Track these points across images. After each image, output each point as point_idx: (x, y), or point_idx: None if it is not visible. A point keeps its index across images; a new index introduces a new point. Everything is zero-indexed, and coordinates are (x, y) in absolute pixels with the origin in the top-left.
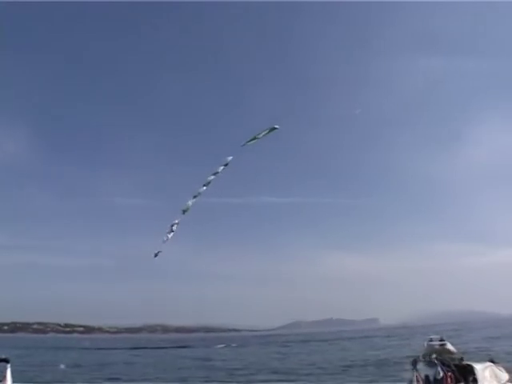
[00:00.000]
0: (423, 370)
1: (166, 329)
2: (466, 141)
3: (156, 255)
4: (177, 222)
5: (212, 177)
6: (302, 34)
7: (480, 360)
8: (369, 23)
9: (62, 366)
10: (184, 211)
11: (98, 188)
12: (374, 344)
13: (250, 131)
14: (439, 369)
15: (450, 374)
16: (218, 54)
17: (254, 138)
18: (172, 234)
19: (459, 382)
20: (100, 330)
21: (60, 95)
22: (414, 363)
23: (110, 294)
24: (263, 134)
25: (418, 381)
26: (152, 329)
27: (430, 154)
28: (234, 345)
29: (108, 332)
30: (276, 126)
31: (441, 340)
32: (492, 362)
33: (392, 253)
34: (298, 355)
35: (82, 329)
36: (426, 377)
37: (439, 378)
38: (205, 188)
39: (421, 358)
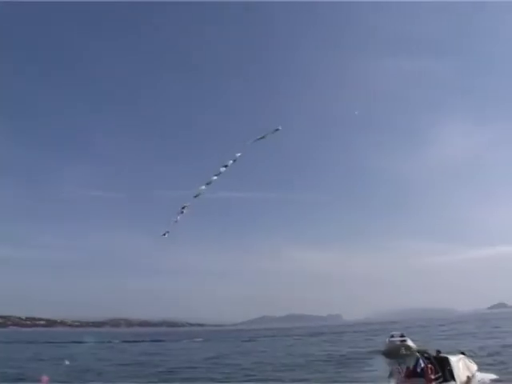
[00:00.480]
0: (407, 362)
1: (129, 323)
2: (434, 141)
3: (165, 234)
4: (187, 204)
5: (223, 168)
6: (278, 34)
7: (449, 353)
8: (341, 24)
9: (67, 362)
10: (195, 196)
11: (61, 179)
12: (337, 339)
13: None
14: (421, 361)
15: (430, 365)
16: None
17: (262, 137)
18: (181, 215)
19: (438, 372)
20: (63, 323)
21: (29, 84)
22: (397, 354)
23: (73, 288)
24: (270, 133)
25: (399, 372)
26: (116, 323)
27: (399, 154)
28: (198, 339)
29: (71, 326)
30: (279, 128)
31: (401, 336)
32: (463, 354)
33: (358, 250)
34: (263, 351)
35: (44, 322)
36: (407, 368)
37: (421, 369)
38: (215, 177)
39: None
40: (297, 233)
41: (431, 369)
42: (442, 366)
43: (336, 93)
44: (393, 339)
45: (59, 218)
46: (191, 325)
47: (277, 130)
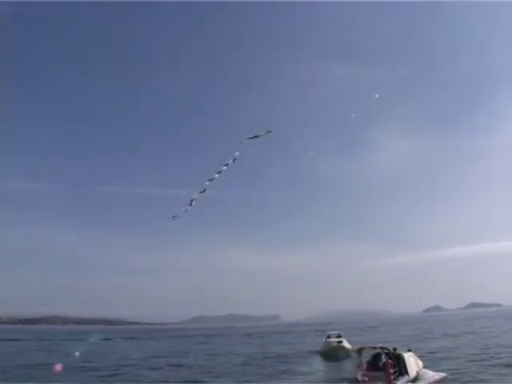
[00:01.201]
0: (366, 357)
1: (65, 320)
2: (371, 146)
3: (174, 218)
4: (195, 197)
5: (224, 167)
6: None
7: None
8: (278, 26)
9: (77, 354)
10: (201, 192)
11: None
12: (276, 340)
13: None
14: (383, 356)
15: (390, 361)
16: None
17: (255, 137)
18: (191, 206)
19: (395, 367)
20: None
21: None
22: (360, 351)
23: (7, 284)
24: (262, 134)
25: (362, 365)
26: (51, 320)
27: (337, 157)
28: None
29: (6, 323)
30: (271, 130)
31: (338, 337)
32: (410, 351)
33: (296, 251)
34: (200, 350)
35: None
36: (368, 362)
37: (382, 363)
38: (217, 175)
39: (366, 347)
40: (235, 233)
41: (391, 364)
42: (398, 362)
43: (273, 93)
44: (329, 340)
45: None
46: (128, 323)
47: (269, 131)
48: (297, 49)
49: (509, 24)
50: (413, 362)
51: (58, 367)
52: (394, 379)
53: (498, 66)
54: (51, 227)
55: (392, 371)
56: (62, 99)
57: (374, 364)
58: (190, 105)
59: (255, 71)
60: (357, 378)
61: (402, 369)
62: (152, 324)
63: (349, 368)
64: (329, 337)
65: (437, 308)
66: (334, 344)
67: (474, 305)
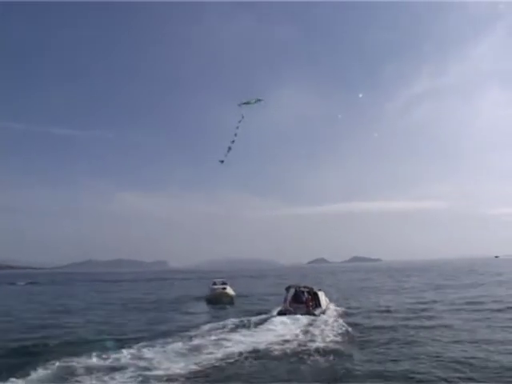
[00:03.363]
0: (291, 293)
1: None
2: (273, 104)
3: (221, 161)
4: (231, 146)
5: (237, 130)
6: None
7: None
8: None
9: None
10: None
11: None
12: (163, 285)
13: None
14: (305, 293)
15: (309, 296)
16: None
17: (248, 103)
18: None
19: (313, 301)
20: None
21: None
22: (288, 289)
23: None
24: (254, 101)
25: (288, 299)
26: None
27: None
28: (21, 283)
29: None
30: (261, 98)
31: (223, 283)
32: (320, 290)
33: (192, 199)
34: (86, 294)
35: None
36: (292, 297)
37: (304, 299)
38: (237, 132)
39: (290, 287)
40: (131, 177)
41: (310, 299)
42: (314, 298)
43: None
44: (214, 286)
45: None
46: (12, 267)
47: (260, 100)
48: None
49: None
50: (324, 298)
51: None
52: (312, 309)
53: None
54: None
55: (310, 304)
56: None
57: (297, 298)
58: None
59: None
60: (286, 309)
61: (317, 302)
62: (39, 269)
63: (230, 311)
64: (214, 284)
65: (322, 260)
66: (219, 290)
67: (356, 259)
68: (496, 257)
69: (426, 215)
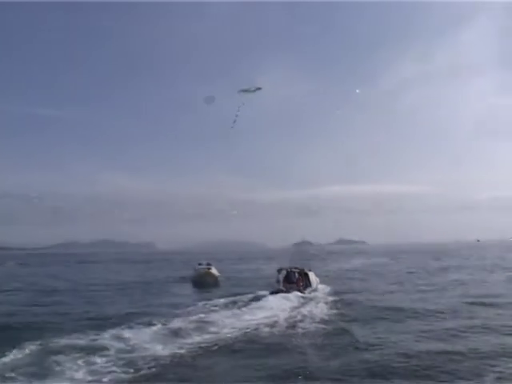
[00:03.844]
0: (283, 274)
1: None
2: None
3: (231, 127)
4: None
5: (238, 112)
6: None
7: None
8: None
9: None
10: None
11: None
12: (150, 267)
13: None
14: (296, 274)
15: (300, 277)
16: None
17: (247, 91)
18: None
19: (303, 281)
20: None
21: None
22: (280, 270)
23: None
24: (253, 89)
25: (280, 280)
26: None
27: (216, 92)
28: (11, 263)
29: None
30: (260, 87)
31: (208, 264)
32: (311, 271)
33: (178, 181)
34: (73, 275)
35: None
36: (284, 278)
37: (295, 279)
38: (237, 116)
39: (284, 268)
40: (115, 157)
41: (301, 279)
42: (305, 278)
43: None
44: (199, 267)
45: None
46: (3, 249)
47: (259, 88)
48: None
49: None
50: (314, 278)
51: None
52: (303, 289)
53: None
54: None
55: (302, 284)
56: None
57: (289, 279)
58: None
59: None
60: (278, 289)
61: (307, 282)
62: (20, 249)
63: (217, 293)
64: (200, 264)
65: (307, 243)
66: (204, 270)
67: (342, 241)
68: (478, 241)
69: (415, 200)
